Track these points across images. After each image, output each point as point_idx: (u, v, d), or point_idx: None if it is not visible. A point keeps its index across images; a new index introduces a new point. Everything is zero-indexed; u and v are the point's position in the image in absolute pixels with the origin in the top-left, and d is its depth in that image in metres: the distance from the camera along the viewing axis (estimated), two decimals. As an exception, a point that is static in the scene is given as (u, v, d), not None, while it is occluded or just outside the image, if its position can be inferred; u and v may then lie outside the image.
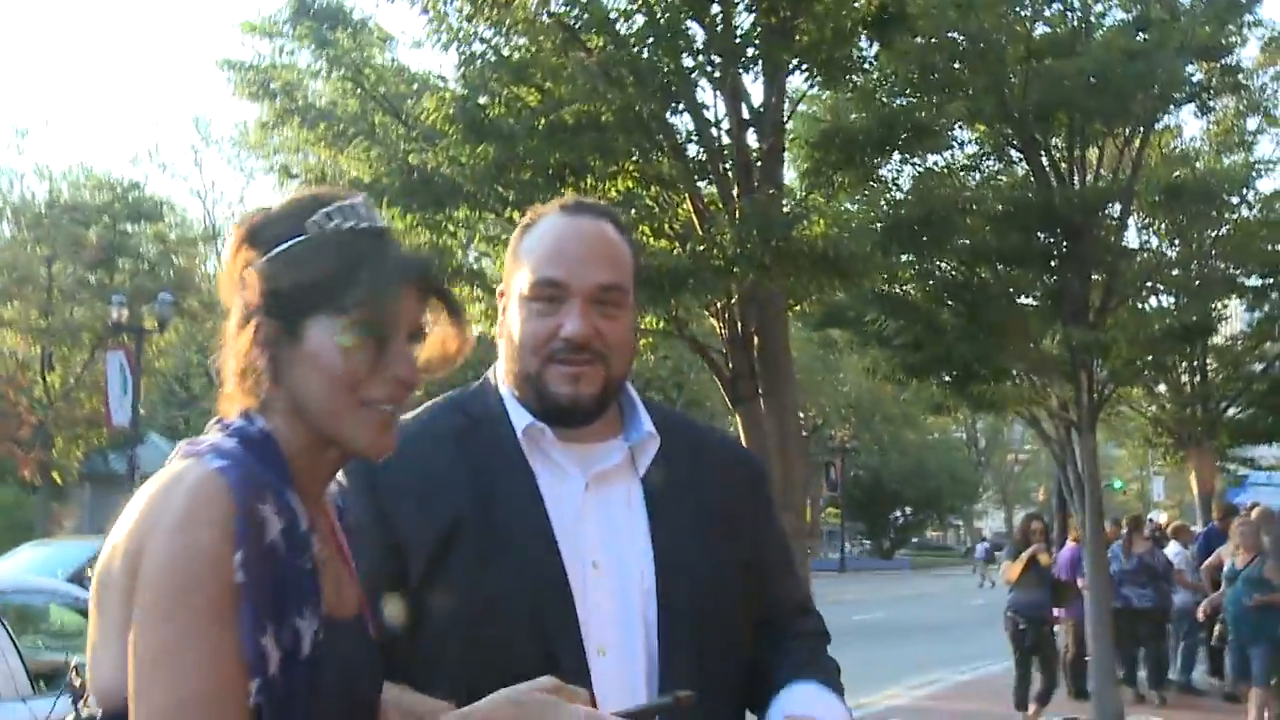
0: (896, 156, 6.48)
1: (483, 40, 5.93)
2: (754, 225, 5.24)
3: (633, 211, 5.85)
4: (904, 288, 10.08)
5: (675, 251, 5.69)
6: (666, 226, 5.87)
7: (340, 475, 1.65)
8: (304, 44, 5.87)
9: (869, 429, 53.82)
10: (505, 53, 5.78)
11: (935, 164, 11.14)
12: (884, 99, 6.16)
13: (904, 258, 5.89)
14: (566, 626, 1.71)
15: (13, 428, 28.71)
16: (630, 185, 5.77)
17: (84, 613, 1.62)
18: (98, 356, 29.05)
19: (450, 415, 1.86)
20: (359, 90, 5.80)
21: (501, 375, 1.88)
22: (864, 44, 5.73)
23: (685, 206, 5.82)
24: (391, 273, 1.44)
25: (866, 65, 6.12)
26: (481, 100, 5.47)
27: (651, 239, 5.98)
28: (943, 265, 10.09)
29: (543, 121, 5.42)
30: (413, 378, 1.46)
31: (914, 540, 74.73)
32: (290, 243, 1.44)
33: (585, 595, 1.75)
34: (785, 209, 5.60)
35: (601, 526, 1.80)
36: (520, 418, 1.82)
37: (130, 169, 55.01)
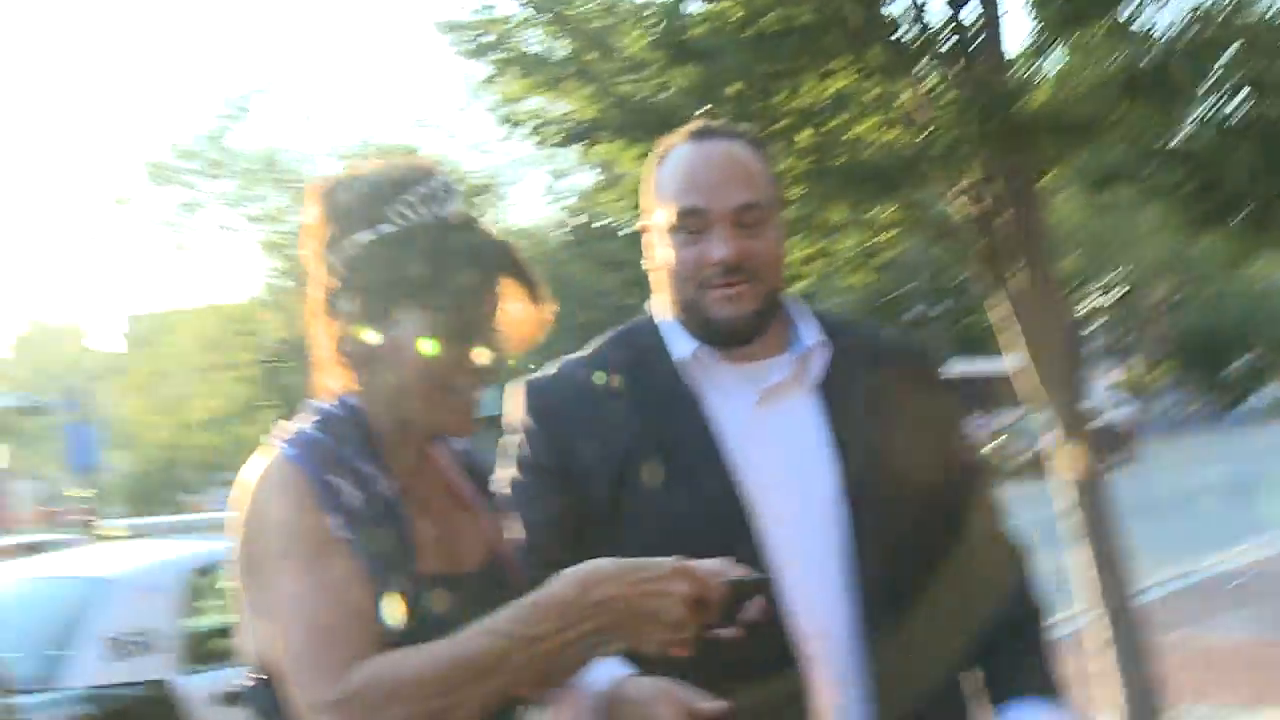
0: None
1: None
2: (972, 103, 5.06)
3: (851, 110, 5.76)
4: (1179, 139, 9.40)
5: (900, 141, 5.56)
6: (891, 120, 5.72)
7: (520, 411, 1.84)
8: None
9: (1194, 278, 50.39)
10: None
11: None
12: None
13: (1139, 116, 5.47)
14: (749, 545, 1.76)
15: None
16: (844, 84, 5.65)
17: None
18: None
19: (617, 350, 1.96)
20: (565, 29, 5.93)
21: (660, 306, 1.95)
22: None
23: (907, 95, 5.65)
24: (477, 272, 1.53)
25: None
26: (682, 20, 5.48)
27: (879, 132, 5.86)
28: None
29: (745, 32, 5.38)
30: (494, 370, 1.58)
31: (1263, 392, 69.85)
32: (373, 233, 1.53)
33: (767, 511, 1.79)
34: (1011, 80, 5.35)
35: (777, 441, 1.84)
36: (682, 346, 1.89)
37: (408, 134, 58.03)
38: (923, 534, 1.85)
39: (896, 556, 1.81)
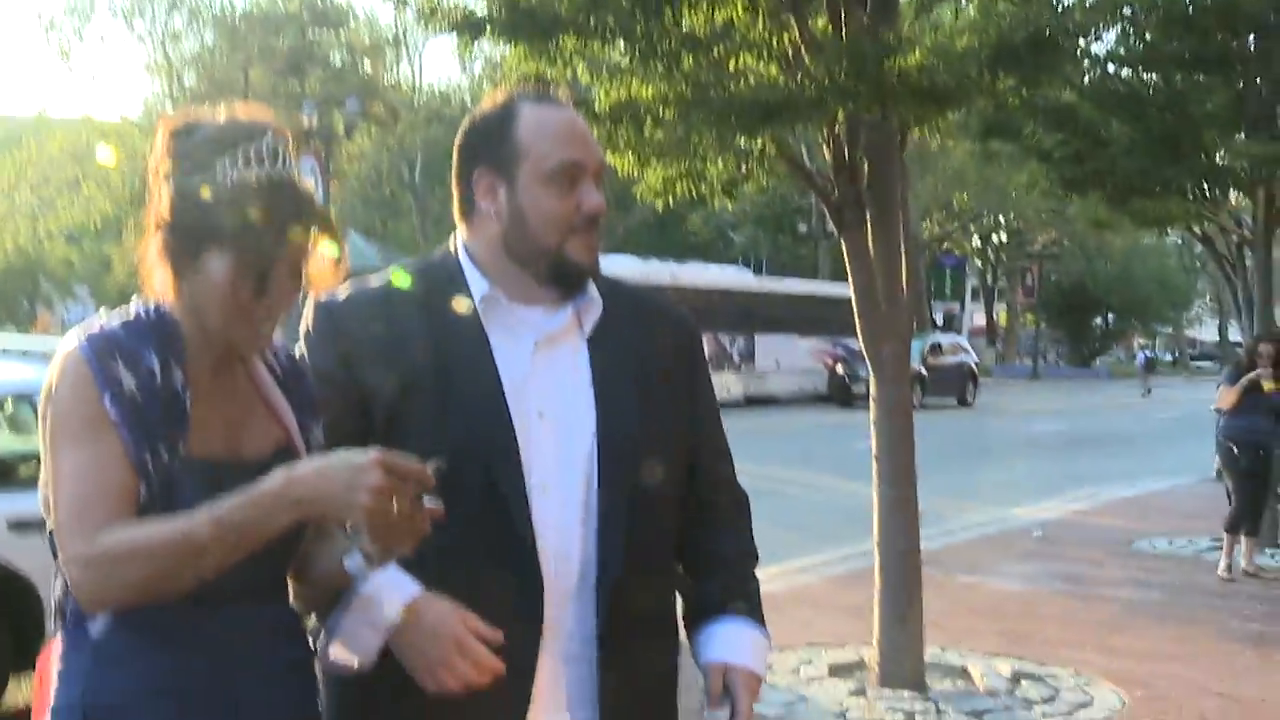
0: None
1: None
2: (846, 57, 5.21)
3: (736, 39, 5.86)
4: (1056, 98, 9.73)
5: (776, 81, 5.69)
6: (771, 55, 5.85)
7: (310, 326, 2.04)
8: None
9: (1071, 234, 51.91)
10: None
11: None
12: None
13: (1008, 83, 5.68)
14: (510, 467, 1.97)
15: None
16: (733, 15, 5.75)
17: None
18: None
19: (414, 279, 2.07)
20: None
21: (468, 248, 2.10)
22: None
23: (791, 35, 5.77)
24: (275, 224, 1.76)
25: None
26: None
27: (757, 65, 5.98)
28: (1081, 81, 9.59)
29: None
30: (288, 304, 1.83)
31: (1116, 349, 72.57)
32: (201, 179, 1.77)
33: (529, 441, 1.97)
34: (891, 36, 5.50)
35: (549, 381, 2.04)
36: (479, 286, 2.05)
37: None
38: (662, 477, 2.07)
39: (636, 495, 2.03)
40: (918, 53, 5.33)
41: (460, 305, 2.02)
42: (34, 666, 5.81)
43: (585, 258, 2.02)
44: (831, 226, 6.08)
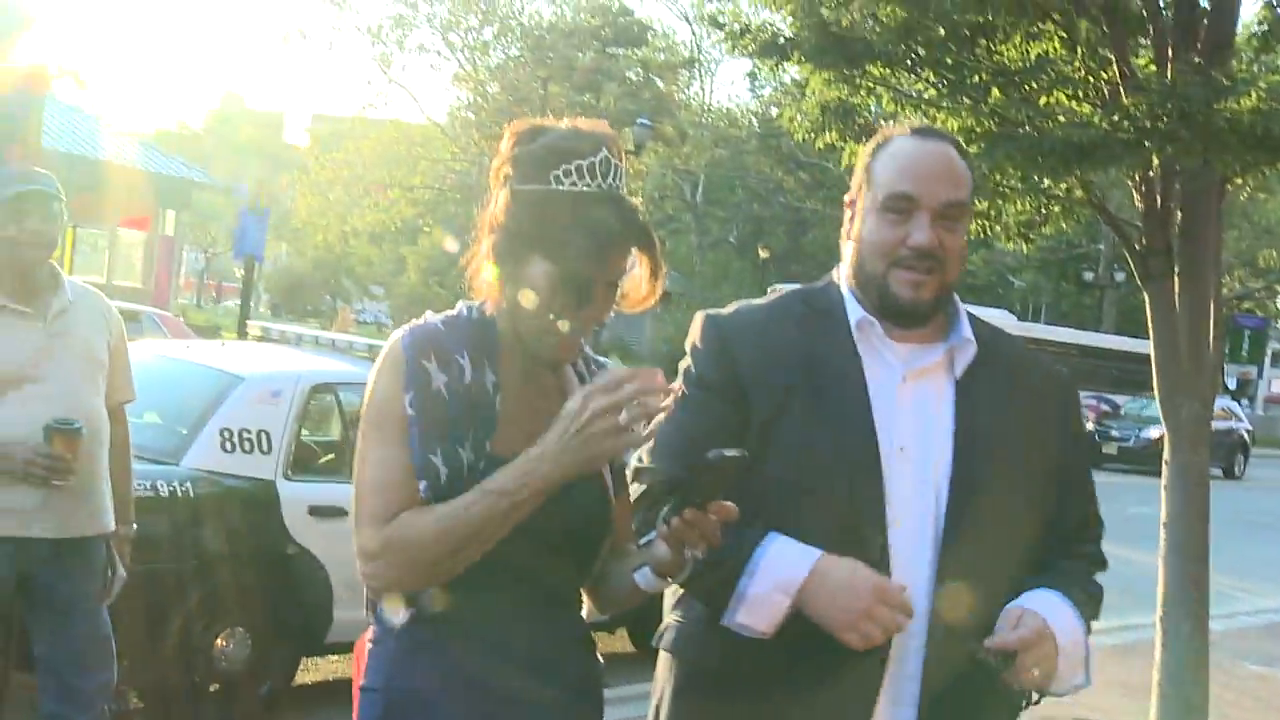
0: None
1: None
2: (1171, 98, 4.89)
3: (1050, 74, 5.61)
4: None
5: (1090, 120, 5.41)
6: (1086, 93, 5.57)
7: (697, 340, 2.14)
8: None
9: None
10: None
11: None
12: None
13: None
14: (870, 499, 2.02)
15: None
16: (1049, 49, 5.51)
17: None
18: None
19: (795, 304, 2.17)
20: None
21: (844, 275, 2.17)
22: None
23: (1110, 73, 5.48)
24: (601, 240, 1.82)
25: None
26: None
27: (1072, 103, 5.71)
28: None
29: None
30: (601, 318, 1.91)
31: None
32: (532, 186, 1.84)
33: (890, 473, 2.01)
34: (1223, 77, 5.14)
35: (914, 415, 2.06)
36: (855, 311, 2.10)
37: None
38: (1011, 528, 2.05)
39: (982, 540, 2.01)
40: (1254, 96, 4.96)
41: (838, 329, 2.08)
42: (322, 647, 6.10)
43: (908, 293, 2.03)
44: (1119, 275, 5.73)
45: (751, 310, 2.17)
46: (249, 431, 5.62)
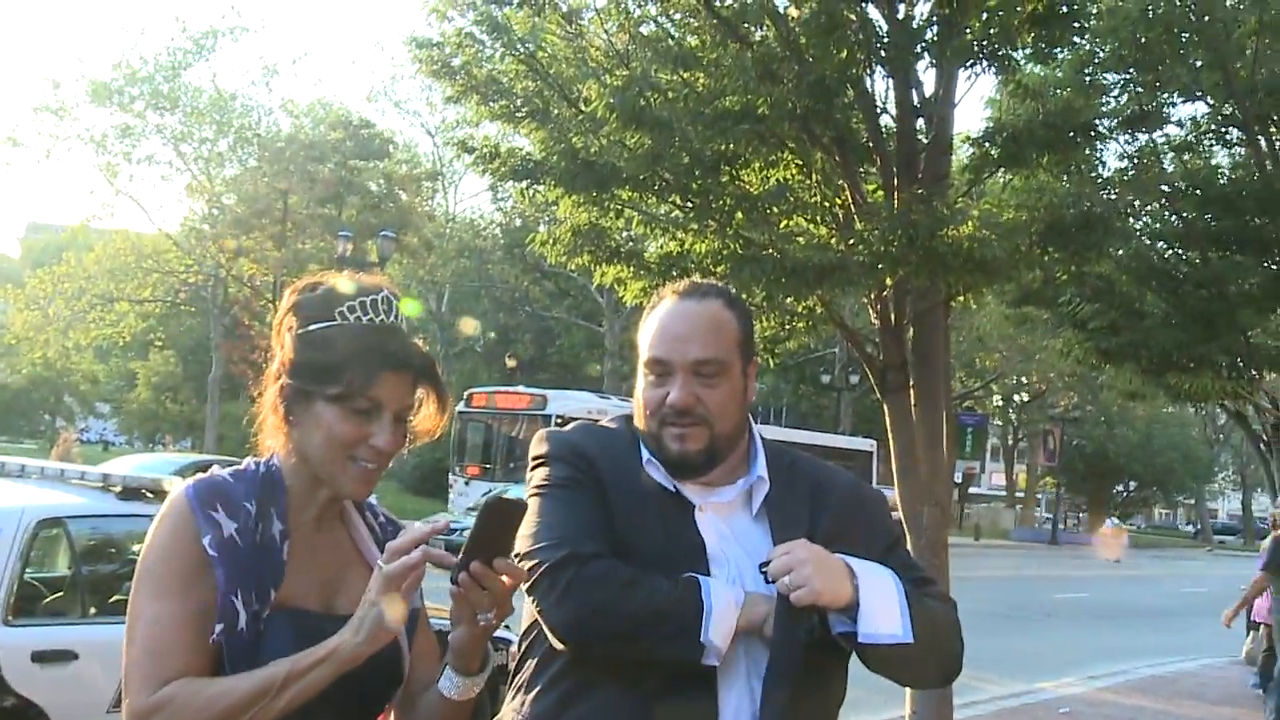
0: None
1: (655, 22, 6.06)
2: (900, 225, 5.23)
3: (790, 200, 5.91)
4: (1094, 277, 9.74)
5: (828, 243, 5.72)
6: (823, 217, 5.89)
7: (546, 450, 2.16)
8: (481, 26, 6.11)
9: (1095, 399, 51.71)
10: (673, 37, 5.88)
11: (1151, 140, 10.82)
12: (1060, 89, 6.02)
13: (1057, 257, 5.70)
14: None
15: (247, 349, 30.79)
16: (788, 176, 5.81)
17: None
18: (323, 288, 30.66)
19: (609, 434, 2.25)
20: (531, 72, 6.00)
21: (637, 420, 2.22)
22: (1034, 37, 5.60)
23: (843, 198, 5.82)
24: (381, 364, 1.86)
25: (1046, 52, 5.99)
26: (644, 88, 5.58)
27: (810, 226, 6.02)
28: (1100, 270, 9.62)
29: (703, 109, 5.51)
30: (391, 448, 1.89)
31: (1137, 517, 71.77)
32: (317, 326, 1.88)
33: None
34: (943, 206, 5.54)
35: (717, 541, 2.12)
36: (645, 453, 2.18)
37: (366, 106, 57.40)
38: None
39: (806, 661, 2.04)
40: (969, 224, 5.36)
41: (641, 470, 2.15)
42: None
43: (676, 446, 2.12)
44: (854, 378, 6.05)
45: (595, 429, 2.27)
46: (-36, 576, 5.18)
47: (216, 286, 36.00)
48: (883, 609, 2.02)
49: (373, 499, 2.02)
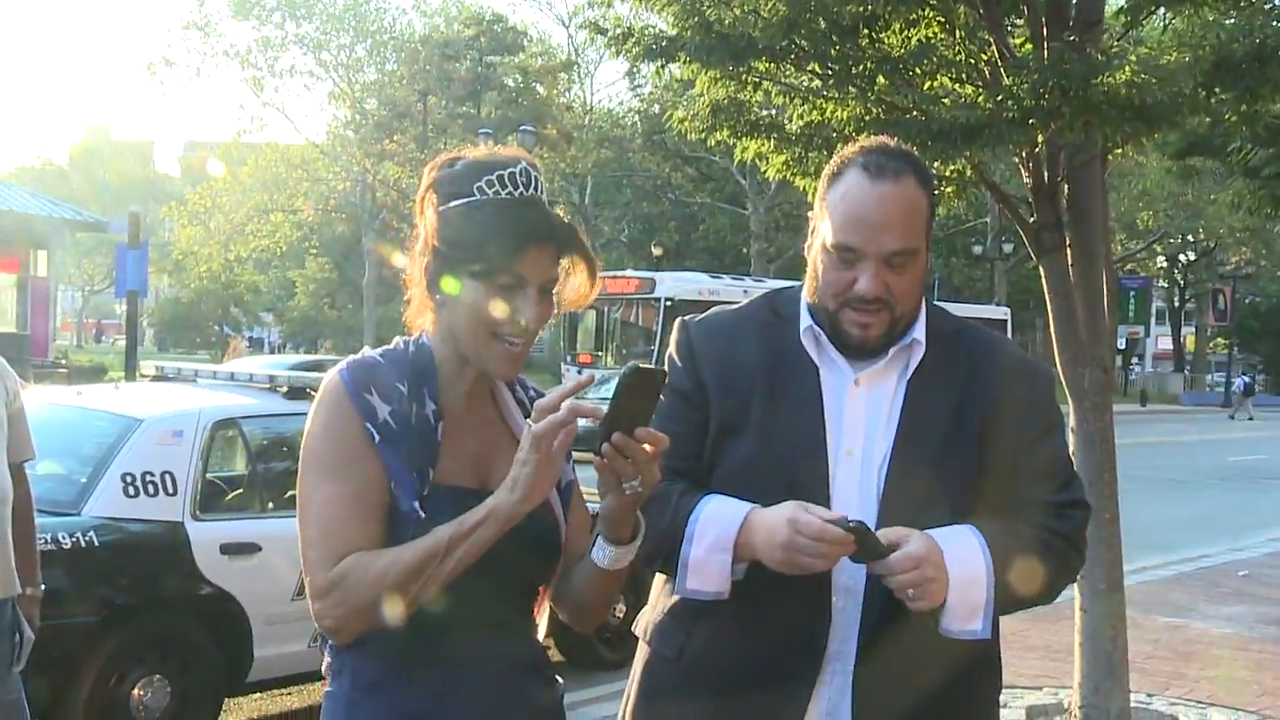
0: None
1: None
2: (1051, 76, 4.99)
3: (933, 60, 5.69)
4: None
5: (975, 101, 5.50)
6: (969, 75, 5.66)
7: (673, 350, 2.23)
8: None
9: (1270, 252, 49.22)
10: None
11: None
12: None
13: (1225, 99, 5.37)
14: (815, 489, 2.06)
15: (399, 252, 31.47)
16: (930, 34, 5.58)
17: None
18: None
19: (762, 310, 2.25)
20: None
21: (806, 286, 2.20)
22: None
23: (989, 53, 5.57)
24: (523, 239, 1.84)
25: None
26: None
27: (955, 85, 5.80)
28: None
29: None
30: (537, 324, 1.88)
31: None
32: (457, 202, 1.86)
33: (836, 476, 2.09)
34: (1097, 53, 5.25)
35: (863, 418, 2.12)
36: (805, 320, 2.18)
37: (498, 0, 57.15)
38: (951, 517, 2.06)
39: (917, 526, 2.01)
40: (1127, 70, 5.07)
41: (795, 338, 2.17)
42: (245, 686, 5.92)
43: (857, 331, 2.10)
44: (1008, 247, 5.84)
45: (720, 318, 2.25)
46: (152, 474, 5.47)
47: (365, 192, 36.74)
48: (966, 609, 2.01)
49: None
